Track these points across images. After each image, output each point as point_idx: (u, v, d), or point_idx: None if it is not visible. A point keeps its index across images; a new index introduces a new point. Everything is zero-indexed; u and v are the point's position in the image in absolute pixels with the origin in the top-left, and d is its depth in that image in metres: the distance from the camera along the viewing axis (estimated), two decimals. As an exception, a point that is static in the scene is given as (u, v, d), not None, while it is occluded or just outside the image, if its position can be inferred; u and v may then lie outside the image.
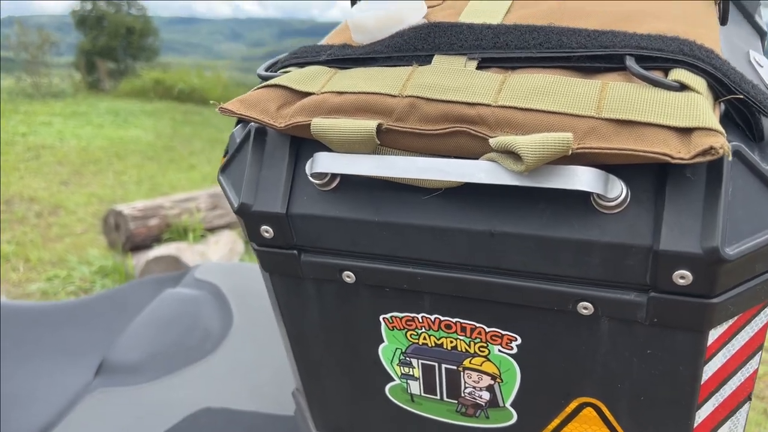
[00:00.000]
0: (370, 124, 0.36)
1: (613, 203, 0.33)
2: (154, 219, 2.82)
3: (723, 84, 0.32)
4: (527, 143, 0.31)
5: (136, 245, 2.77)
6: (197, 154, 5.13)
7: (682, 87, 0.32)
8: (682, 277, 0.32)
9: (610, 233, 0.33)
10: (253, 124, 0.41)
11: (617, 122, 0.31)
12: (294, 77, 0.40)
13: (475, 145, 0.34)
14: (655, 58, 0.33)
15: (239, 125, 0.46)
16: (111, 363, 0.81)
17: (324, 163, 0.38)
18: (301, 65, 0.42)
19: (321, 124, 0.37)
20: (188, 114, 6.96)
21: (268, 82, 0.40)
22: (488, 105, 0.34)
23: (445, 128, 0.34)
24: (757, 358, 0.36)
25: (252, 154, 0.41)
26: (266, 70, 0.44)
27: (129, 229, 2.74)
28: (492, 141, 0.33)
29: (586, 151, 0.31)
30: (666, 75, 0.33)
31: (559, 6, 0.42)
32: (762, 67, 0.40)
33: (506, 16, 0.43)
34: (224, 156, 0.46)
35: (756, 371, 0.37)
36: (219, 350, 0.85)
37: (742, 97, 0.32)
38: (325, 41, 0.47)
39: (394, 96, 0.36)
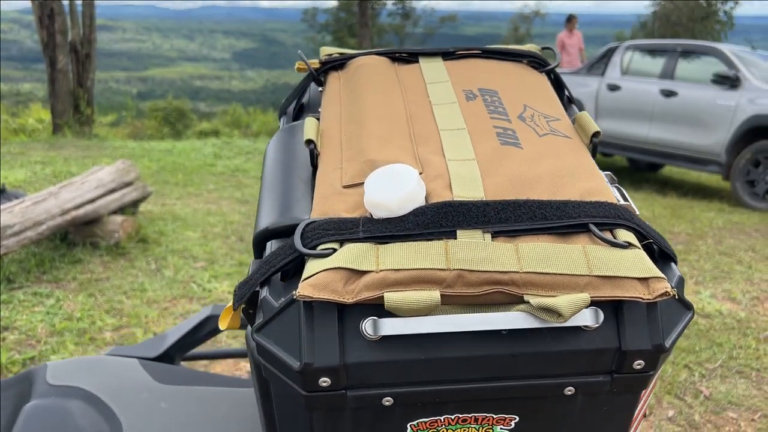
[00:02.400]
0: (434, 295, 0.46)
1: (596, 325, 0.48)
2: None
3: (641, 234, 0.52)
4: (565, 305, 0.46)
5: None
6: None
7: (629, 245, 0.49)
8: (638, 363, 0.49)
9: (593, 342, 0.49)
10: (295, 295, 0.47)
11: (603, 277, 0.47)
12: (348, 258, 0.48)
13: (505, 298, 0.47)
14: (607, 224, 0.51)
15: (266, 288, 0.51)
16: None
17: (393, 327, 0.47)
18: (341, 242, 0.50)
19: (393, 298, 0.46)
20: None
21: (329, 265, 0.47)
22: (516, 272, 0.47)
23: (486, 291, 0.47)
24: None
25: (305, 319, 0.47)
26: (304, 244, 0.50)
27: None
28: (533, 301, 0.46)
29: (594, 299, 0.47)
30: (612, 232, 0.51)
31: (518, 175, 0.55)
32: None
33: (476, 151, 0.58)
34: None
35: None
36: None
37: (652, 241, 0.53)
38: (319, 201, 0.55)
39: (444, 269, 0.47)
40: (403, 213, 0.50)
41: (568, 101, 0.74)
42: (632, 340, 0.48)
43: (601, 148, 7.14)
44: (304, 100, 0.76)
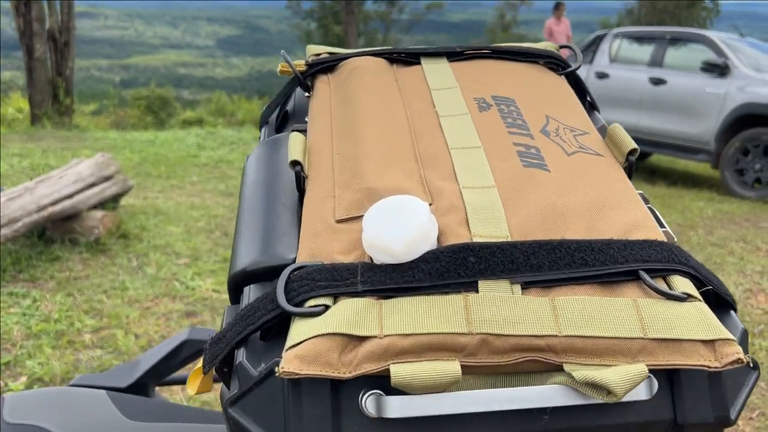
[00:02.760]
0: (453, 368, 0.37)
1: (649, 397, 0.39)
2: None
3: (700, 280, 0.43)
4: (617, 381, 0.36)
5: None
6: None
7: (688, 296, 0.41)
8: None
9: (643, 415, 0.40)
10: (276, 363, 0.38)
11: (660, 340, 0.38)
12: (344, 320, 0.38)
13: (540, 367, 0.39)
14: (659, 270, 0.42)
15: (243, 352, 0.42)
16: None
17: (402, 408, 0.37)
18: (334, 296, 0.40)
19: (402, 373, 0.37)
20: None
21: (321, 331, 0.38)
22: (555, 335, 0.38)
23: (517, 359, 0.38)
24: None
25: (291, 393, 0.38)
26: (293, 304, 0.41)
27: None
28: (577, 375, 0.37)
29: (649, 367, 0.38)
30: (665, 280, 0.42)
31: (547, 207, 0.46)
32: None
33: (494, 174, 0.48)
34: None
35: None
36: None
37: (712, 288, 0.44)
38: (307, 239, 0.45)
39: (465, 334, 0.38)
40: (411, 258, 0.41)
41: (590, 107, 0.65)
42: (691, 413, 0.40)
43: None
44: (289, 107, 0.66)
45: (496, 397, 0.38)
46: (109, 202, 3.79)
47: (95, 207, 3.59)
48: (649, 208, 0.56)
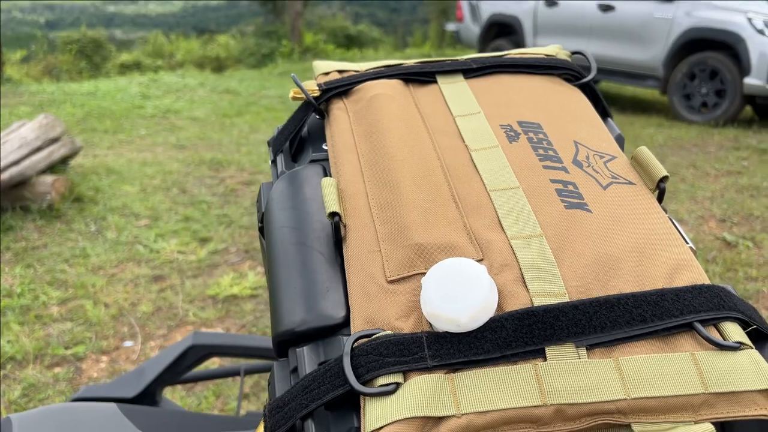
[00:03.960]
0: None
1: None
2: None
3: (748, 323, 0.44)
4: None
5: None
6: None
7: (740, 344, 0.41)
8: None
9: None
10: None
11: (720, 394, 0.40)
12: (421, 401, 0.39)
13: (608, 427, 0.40)
14: (712, 319, 0.43)
15: None
16: None
17: None
18: (404, 372, 0.40)
19: None
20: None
21: (400, 416, 0.38)
22: (624, 399, 0.39)
23: (589, 423, 0.39)
24: None
25: None
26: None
27: None
28: None
29: (710, 420, 0.39)
30: (717, 327, 0.43)
31: (598, 256, 0.46)
32: None
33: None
34: None
35: None
36: None
37: (756, 326, 0.44)
38: (361, 303, 0.45)
39: (539, 406, 0.39)
40: (474, 327, 0.40)
41: (603, 113, 0.65)
42: None
43: (540, 67, 7.11)
44: (303, 132, 0.63)
45: None
46: (59, 165, 3.65)
47: (44, 171, 3.46)
48: (669, 217, 0.57)
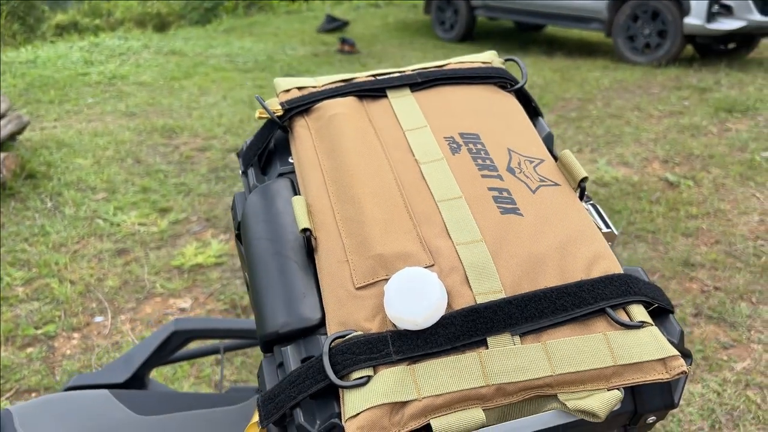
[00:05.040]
0: (479, 415, 0.47)
1: (620, 405, 0.50)
2: None
3: (648, 303, 0.54)
4: (600, 407, 0.47)
5: None
6: None
7: (643, 323, 0.51)
8: (650, 419, 0.54)
9: (614, 411, 0.51)
10: (333, 426, 0.48)
11: (627, 365, 0.49)
12: (389, 390, 0.47)
13: (540, 398, 0.49)
14: (620, 304, 0.52)
15: None
16: None
17: None
18: (374, 367, 0.49)
19: (441, 425, 0.46)
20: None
21: (373, 403, 0.47)
22: (551, 375, 0.48)
23: (524, 397, 0.48)
24: None
25: None
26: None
27: None
28: (570, 405, 0.48)
29: (619, 386, 0.49)
30: (625, 310, 0.52)
31: (527, 256, 0.55)
32: None
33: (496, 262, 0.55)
34: None
35: None
36: None
37: (658, 304, 0.54)
38: (334, 308, 0.53)
39: (483, 386, 0.48)
40: (429, 325, 0.49)
41: (535, 113, 0.73)
42: (647, 404, 0.52)
43: (486, 13, 7.13)
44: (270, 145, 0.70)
45: (516, 427, 0.49)
46: (7, 142, 3.58)
47: (-7, 149, 3.40)
48: (591, 204, 0.66)
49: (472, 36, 7.55)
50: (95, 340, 2.28)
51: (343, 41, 7.03)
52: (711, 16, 5.47)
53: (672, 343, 0.52)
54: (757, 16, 5.40)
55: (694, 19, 5.52)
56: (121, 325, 2.35)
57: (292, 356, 0.52)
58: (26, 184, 3.43)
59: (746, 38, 5.98)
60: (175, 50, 7.03)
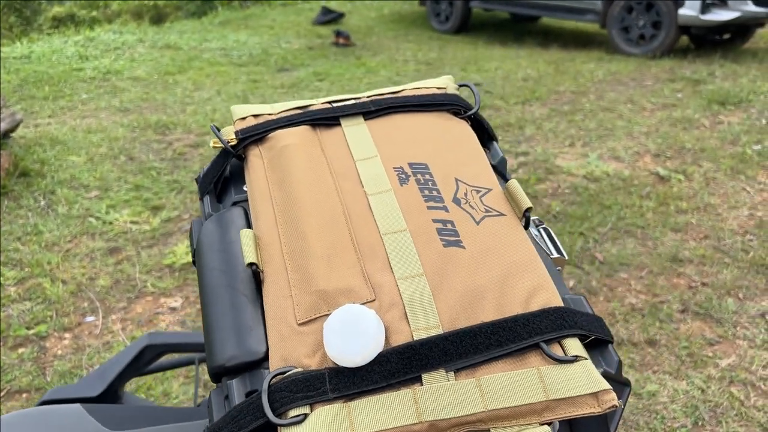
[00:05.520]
0: None
1: None
2: None
3: (585, 336, 0.54)
4: None
5: None
6: None
7: (576, 358, 0.51)
8: None
9: None
10: None
11: (559, 400, 0.50)
12: (320, 429, 0.48)
13: None
14: (555, 338, 0.53)
15: None
16: None
17: None
18: (311, 405, 0.49)
19: None
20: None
21: None
22: (483, 411, 0.49)
23: None
24: None
25: None
26: None
27: None
28: None
29: (551, 420, 0.50)
30: (560, 343, 0.53)
31: (466, 290, 0.55)
32: None
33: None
34: None
35: None
36: None
37: (593, 336, 0.55)
38: (276, 344, 0.53)
39: (416, 423, 0.48)
40: (365, 362, 0.50)
41: (489, 138, 0.73)
42: None
43: (482, 4, 7.11)
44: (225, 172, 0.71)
45: None
46: (0, 140, 3.59)
47: (-15, 148, 3.41)
48: (543, 228, 0.67)
49: (467, 27, 7.54)
50: (86, 340, 2.30)
51: (338, 34, 7.02)
52: (705, 7, 5.46)
53: (609, 373, 0.53)
54: (751, 7, 5.39)
55: (689, 10, 5.51)
56: (112, 325, 2.37)
57: (236, 390, 0.53)
58: (20, 182, 3.44)
59: (741, 29, 5.96)
60: (170, 44, 7.01)
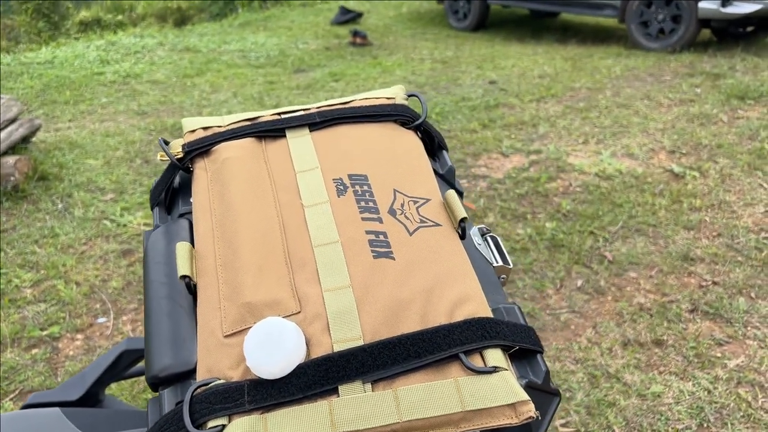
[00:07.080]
0: None
1: None
2: None
3: (510, 346, 0.54)
4: None
5: None
6: None
7: (495, 369, 0.51)
8: None
9: None
10: None
11: (476, 411, 0.49)
12: None
13: None
14: (475, 349, 0.52)
15: None
16: None
17: None
18: (229, 416, 0.50)
19: None
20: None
21: None
22: (398, 422, 0.49)
23: None
24: None
25: None
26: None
27: None
28: None
29: (470, 431, 0.50)
30: (481, 354, 0.52)
31: (391, 302, 0.55)
32: None
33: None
34: None
35: None
36: None
37: (518, 347, 0.55)
38: (203, 355, 0.54)
39: None
40: (284, 375, 0.51)
41: (439, 147, 0.74)
42: None
43: (500, 1, 7.07)
44: (175, 183, 0.72)
45: None
46: (19, 145, 3.67)
47: (5, 153, 3.49)
48: (491, 237, 0.67)
49: (485, 25, 7.50)
50: (97, 341, 2.34)
51: (355, 33, 7.03)
52: (726, 0, 5.36)
53: (535, 384, 0.53)
54: (774, -1, 5.28)
55: (709, 3, 5.41)
56: (123, 326, 2.41)
57: (168, 399, 0.55)
58: (39, 186, 3.51)
59: (765, 21, 5.84)
60: (189, 47, 7.10)
